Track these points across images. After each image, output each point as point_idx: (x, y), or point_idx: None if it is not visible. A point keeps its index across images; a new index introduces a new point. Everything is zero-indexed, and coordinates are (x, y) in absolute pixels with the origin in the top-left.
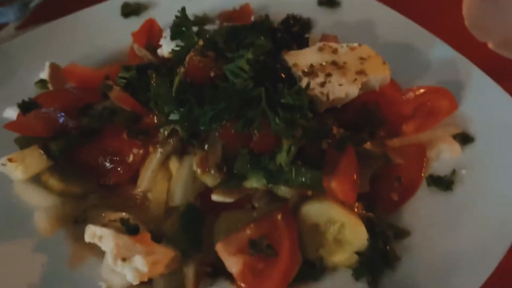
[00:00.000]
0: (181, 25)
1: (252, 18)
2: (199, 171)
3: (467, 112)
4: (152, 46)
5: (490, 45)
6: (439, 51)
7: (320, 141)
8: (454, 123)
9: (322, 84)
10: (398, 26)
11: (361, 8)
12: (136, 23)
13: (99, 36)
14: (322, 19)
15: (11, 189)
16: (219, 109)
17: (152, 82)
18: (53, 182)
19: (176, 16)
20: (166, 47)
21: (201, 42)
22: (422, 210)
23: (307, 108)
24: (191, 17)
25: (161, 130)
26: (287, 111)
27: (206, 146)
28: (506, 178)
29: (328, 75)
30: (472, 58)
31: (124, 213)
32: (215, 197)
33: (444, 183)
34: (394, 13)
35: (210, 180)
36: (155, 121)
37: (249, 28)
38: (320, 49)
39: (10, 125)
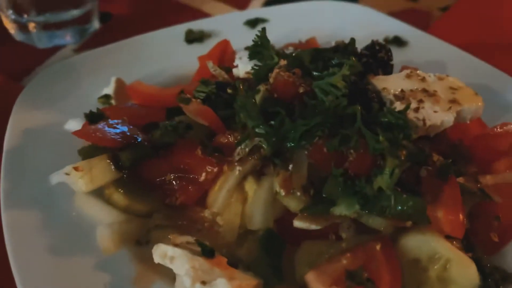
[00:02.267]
0: (260, 45)
1: (333, 43)
2: (282, 192)
3: None
4: (225, 67)
5: None
6: None
7: (418, 167)
8: None
9: (416, 110)
10: (469, 65)
11: (429, 47)
12: (199, 49)
13: (163, 58)
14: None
15: (72, 201)
16: (312, 125)
17: (240, 93)
18: (118, 197)
19: (256, 36)
20: (243, 67)
21: (282, 62)
22: None
23: (409, 128)
24: None
25: (242, 146)
26: (388, 131)
27: (290, 166)
28: None
29: (420, 101)
30: None
31: (190, 237)
32: (298, 223)
33: None
34: (462, 53)
35: (293, 203)
36: (232, 139)
37: (333, 51)
38: (408, 76)
39: (80, 132)
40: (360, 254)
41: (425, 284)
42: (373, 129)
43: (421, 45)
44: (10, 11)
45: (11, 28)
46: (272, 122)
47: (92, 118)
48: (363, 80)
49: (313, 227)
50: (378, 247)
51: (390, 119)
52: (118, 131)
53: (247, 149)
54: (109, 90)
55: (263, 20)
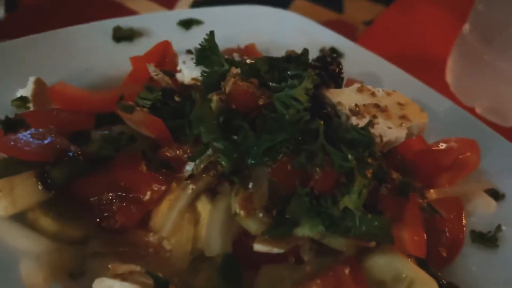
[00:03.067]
0: (208, 49)
1: (284, 53)
2: (242, 213)
3: (490, 169)
4: (167, 71)
5: (478, 110)
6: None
7: (378, 186)
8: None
9: (372, 125)
10: (399, 80)
11: (362, 60)
12: (128, 49)
13: (87, 57)
14: None
15: None
16: (278, 141)
17: (195, 103)
18: (46, 221)
19: (204, 39)
20: (188, 72)
21: (234, 70)
22: (472, 267)
23: (374, 145)
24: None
25: (197, 162)
26: (352, 148)
27: (250, 184)
28: None
29: (374, 117)
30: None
31: (136, 266)
32: (259, 247)
33: (488, 240)
34: (393, 67)
35: (254, 225)
36: (181, 152)
37: (286, 61)
38: (360, 90)
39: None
40: (330, 280)
41: None
42: (335, 145)
43: (355, 57)
44: None
45: None
46: (234, 137)
47: (9, 125)
48: (319, 93)
49: (276, 250)
50: (347, 271)
51: (355, 135)
52: (45, 141)
53: (202, 165)
54: (26, 91)
55: (197, 22)
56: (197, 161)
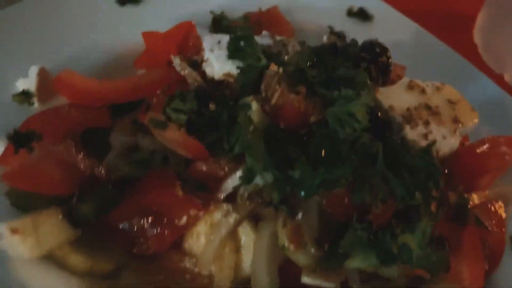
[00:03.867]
0: (242, 40)
1: (325, 39)
2: (292, 247)
3: None
4: (192, 61)
5: (507, 77)
6: (483, 86)
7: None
8: None
9: (426, 136)
10: (437, 53)
11: (394, 25)
12: (135, 14)
13: (90, 29)
14: (353, 32)
15: (9, 270)
16: (336, 175)
17: (239, 127)
18: (76, 258)
19: (236, 28)
20: (219, 66)
21: (273, 67)
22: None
23: (440, 172)
24: (203, 15)
25: (241, 191)
26: (415, 176)
27: (299, 214)
28: None
29: (426, 123)
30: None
31: None
32: (308, 280)
33: None
34: (435, 41)
35: (304, 259)
36: (217, 167)
37: (332, 53)
38: (410, 87)
39: (9, 177)
40: None
41: None
42: (394, 168)
43: (387, 21)
44: None
45: None
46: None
47: (19, 140)
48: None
49: (326, 284)
50: None
51: (420, 164)
52: (69, 169)
53: (246, 194)
54: (29, 84)
55: None
56: (241, 190)
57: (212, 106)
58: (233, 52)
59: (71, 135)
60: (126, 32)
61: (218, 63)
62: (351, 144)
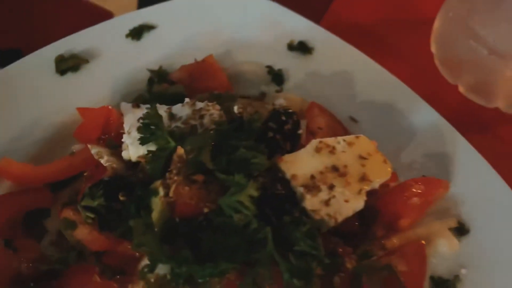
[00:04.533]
0: (151, 125)
1: (236, 109)
2: None
3: (458, 194)
4: (113, 144)
5: (461, 89)
6: (425, 115)
7: (332, 275)
8: (446, 210)
9: (327, 203)
10: (379, 80)
11: (337, 56)
12: (75, 81)
13: (33, 104)
14: (294, 68)
15: None
16: (221, 269)
17: (135, 227)
18: None
19: (145, 114)
20: (133, 149)
21: (179, 150)
22: None
23: (323, 256)
24: (143, 72)
25: (147, 276)
26: (302, 259)
27: None
28: (507, 271)
29: (331, 187)
30: (443, 102)
31: None
32: None
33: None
34: (374, 64)
35: None
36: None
37: (236, 131)
38: (317, 150)
39: None
40: None
41: None
42: (285, 250)
43: (328, 51)
44: None
45: None
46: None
47: None
48: (273, 166)
49: None
50: None
51: (304, 248)
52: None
53: (152, 280)
54: None
55: (148, 28)
56: (148, 276)
57: (121, 198)
58: (144, 138)
59: (12, 220)
60: (68, 103)
61: (132, 147)
62: (242, 231)
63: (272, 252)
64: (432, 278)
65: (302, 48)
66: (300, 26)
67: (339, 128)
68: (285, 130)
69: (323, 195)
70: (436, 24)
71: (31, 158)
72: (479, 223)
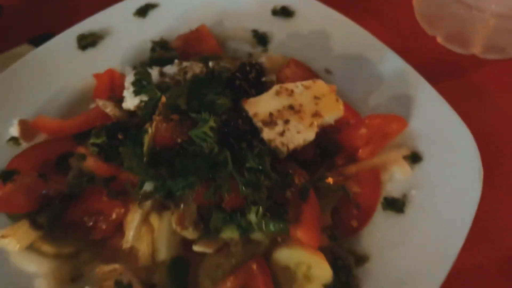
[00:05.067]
0: (142, 80)
1: (210, 65)
2: (178, 228)
3: (416, 129)
4: (116, 98)
5: (439, 39)
6: (392, 63)
7: (284, 191)
8: (404, 142)
9: (282, 134)
10: (352, 35)
11: (316, 17)
12: (95, 55)
13: (59, 76)
14: (277, 31)
15: (9, 260)
16: (189, 182)
17: (124, 153)
18: (46, 247)
19: (136, 73)
20: (130, 100)
21: (163, 98)
22: (378, 234)
23: (270, 171)
24: (148, 43)
25: (140, 191)
26: (253, 174)
27: (182, 205)
28: (450, 193)
29: (286, 121)
30: (421, 53)
31: (116, 265)
32: (196, 248)
33: (397, 205)
34: (348, 22)
35: (189, 235)
36: (132, 178)
37: (208, 80)
38: (277, 93)
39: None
40: (241, 275)
41: (295, 282)
42: (241, 168)
43: (308, 13)
44: None
45: None
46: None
47: (5, 177)
48: (238, 106)
49: (208, 250)
50: (254, 266)
51: (252, 164)
52: (31, 193)
53: (143, 195)
54: (14, 132)
55: (152, 6)
56: (140, 191)
57: (120, 137)
58: (138, 91)
59: (47, 164)
60: (88, 71)
61: (130, 99)
62: (208, 155)
63: (231, 170)
64: (385, 198)
65: (284, 12)
66: None
67: (311, 78)
68: (249, 78)
69: (279, 128)
70: None
71: (60, 116)
72: (431, 152)
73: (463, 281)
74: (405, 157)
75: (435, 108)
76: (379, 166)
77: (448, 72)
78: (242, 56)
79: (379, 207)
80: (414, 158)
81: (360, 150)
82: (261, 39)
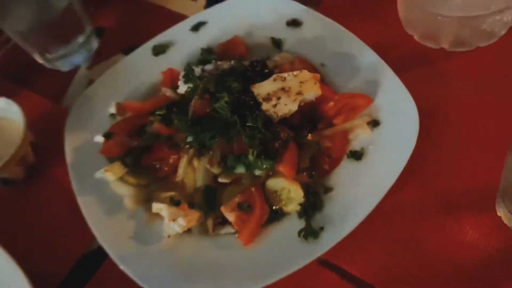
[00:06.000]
0: (189, 74)
1: (232, 63)
2: (209, 167)
3: (378, 104)
4: (174, 86)
5: (415, 37)
6: (368, 57)
7: (273, 142)
8: (369, 113)
9: (275, 106)
10: (340, 39)
11: (317, 25)
12: (164, 59)
13: (141, 74)
14: (288, 37)
15: (108, 186)
16: (212, 134)
17: (176, 119)
18: (130, 179)
19: (185, 69)
20: (182, 87)
21: (201, 86)
22: (342, 174)
23: (261, 128)
24: (198, 50)
25: (184, 142)
26: (251, 130)
27: (210, 152)
28: (394, 147)
29: (278, 98)
30: (400, 48)
31: (172, 192)
32: (220, 180)
33: (357, 155)
34: (340, 28)
35: (215, 171)
36: (182, 135)
37: (231, 71)
38: (274, 80)
39: (102, 151)
40: (245, 194)
41: (281, 201)
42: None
43: (313, 25)
44: (37, 55)
45: (41, 61)
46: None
47: (107, 136)
48: (248, 89)
49: (226, 180)
50: (253, 189)
51: (251, 123)
52: (122, 145)
53: (186, 146)
54: (112, 110)
55: (203, 23)
56: (186, 143)
57: (175, 110)
58: (186, 81)
59: (132, 129)
60: (160, 69)
61: (182, 86)
62: (225, 119)
63: (239, 128)
64: (350, 151)
65: (294, 23)
66: (295, 9)
67: (307, 70)
68: (256, 71)
69: (273, 102)
70: None
71: (140, 100)
72: (386, 119)
73: (397, 214)
74: (368, 123)
75: (394, 88)
76: (348, 129)
77: (420, 62)
78: (263, 56)
79: (345, 157)
80: (374, 123)
81: (334, 119)
82: (277, 43)
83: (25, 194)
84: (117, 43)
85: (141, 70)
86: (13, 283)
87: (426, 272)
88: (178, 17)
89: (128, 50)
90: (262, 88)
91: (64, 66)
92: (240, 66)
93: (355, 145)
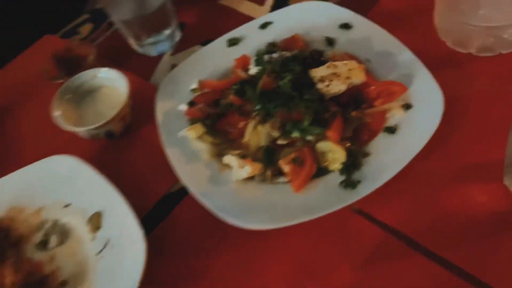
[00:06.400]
0: (259, 59)
1: (295, 52)
2: (270, 131)
3: (412, 92)
4: (246, 68)
5: (448, 43)
6: (406, 56)
7: (324, 114)
8: (404, 98)
9: (327, 86)
10: (384, 41)
11: (364, 28)
12: (236, 50)
13: (217, 60)
14: (340, 37)
15: (191, 142)
16: (276, 104)
17: (247, 92)
18: (207, 138)
19: (256, 55)
20: (253, 69)
21: (268, 68)
22: (378, 143)
23: (317, 100)
24: (264, 44)
25: (252, 112)
26: (307, 101)
27: (273, 119)
28: (422, 123)
29: (330, 80)
30: (433, 52)
31: (240, 151)
32: (279, 142)
33: (391, 130)
34: (383, 31)
35: (275, 134)
36: (250, 105)
37: (293, 58)
38: (328, 67)
39: (188, 113)
40: (299, 152)
41: (326, 160)
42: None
43: (361, 28)
44: (133, 40)
45: (135, 46)
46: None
47: (191, 104)
48: (307, 72)
49: (283, 142)
50: (305, 149)
51: (308, 96)
52: (203, 111)
53: (254, 114)
54: (194, 86)
55: (269, 23)
56: (254, 111)
57: (247, 85)
58: (257, 64)
59: (210, 101)
60: (232, 57)
61: (253, 69)
62: (287, 93)
63: (298, 100)
64: (386, 127)
65: (346, 26)
66: (347, 15)
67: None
68: (314, 58)
69: (326, 83)
70: (437, 6)
71: (217, 79)
72: (417, 104)
73: (422, 178)
74: (402, 106)
75: (425, 80)
76: (386, 110)
77: (450, 64)
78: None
79: (381, 131)
80: (407, 106)
81: (375, 101)
82: (330, 42)
83: (124, 145)
84: (196, 37)
85: (216, 57)
86: (115, 207)
87: (442, 224)
88: (247, 19)
89: (205, 42)
90: (318, 72)
91: (152, 51)
92: (301, 54)
93: (390, 122)
